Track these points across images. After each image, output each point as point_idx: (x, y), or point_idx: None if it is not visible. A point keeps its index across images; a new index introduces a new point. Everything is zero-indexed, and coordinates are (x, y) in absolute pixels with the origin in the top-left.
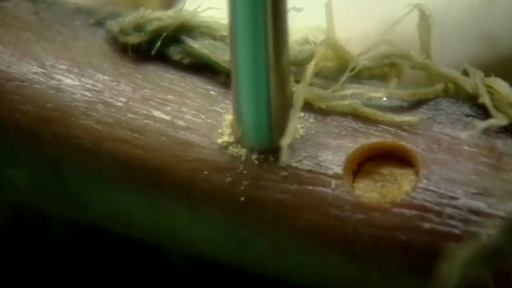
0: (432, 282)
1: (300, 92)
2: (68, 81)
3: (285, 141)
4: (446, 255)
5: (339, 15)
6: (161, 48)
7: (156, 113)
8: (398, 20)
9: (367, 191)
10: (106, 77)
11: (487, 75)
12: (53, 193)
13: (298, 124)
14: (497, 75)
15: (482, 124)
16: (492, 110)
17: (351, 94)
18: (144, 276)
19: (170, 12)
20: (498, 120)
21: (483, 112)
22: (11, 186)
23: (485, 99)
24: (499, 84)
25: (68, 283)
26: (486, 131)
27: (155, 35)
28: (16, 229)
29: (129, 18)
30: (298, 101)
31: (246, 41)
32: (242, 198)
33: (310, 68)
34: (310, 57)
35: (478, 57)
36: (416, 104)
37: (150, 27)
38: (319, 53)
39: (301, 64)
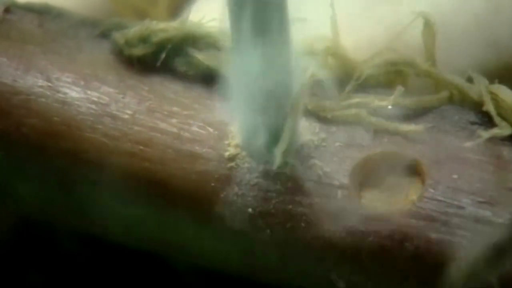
0: None
1: (297, 102)
2: (74, 94)
3: (278, 150)
4: (453, 263)
5: (345, 23)
6: (166, 60)
7: (162, 126)
8: (404, 27)
9: (374, 200)
10: (112, 90)
11: (493, 82)
12: (60, 206)
13: (308, 135)
14: (503, 81)
15: (485, 134)
16: (497, 119)
17: (357, 103)
18: (151, 287)
19: (175, 24)
20: (502, 129)
21: (489, 120)
22: (19, 199)
23: (489, 107)
24: (504, 92)
25: None
26: (492, 139)
27: (160, 47)
28: (23, 238)
29: (134, 30)
30: (295, 110)
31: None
32: (250, 210)
33: (307, 77)
34: None
35: (484, 64)
36: (421, 112)
37: (155, 39)
38: (317, 62)
39: None
